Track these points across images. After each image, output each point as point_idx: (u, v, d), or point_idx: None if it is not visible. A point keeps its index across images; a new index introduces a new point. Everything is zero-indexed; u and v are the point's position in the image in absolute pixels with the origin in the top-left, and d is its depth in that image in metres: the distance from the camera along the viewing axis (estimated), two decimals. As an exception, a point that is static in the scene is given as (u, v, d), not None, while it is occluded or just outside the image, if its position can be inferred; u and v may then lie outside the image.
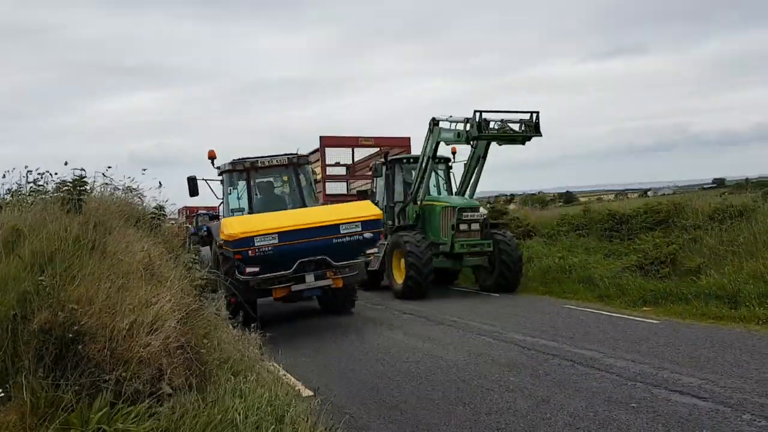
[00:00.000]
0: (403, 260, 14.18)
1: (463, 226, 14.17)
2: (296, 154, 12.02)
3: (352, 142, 20.19)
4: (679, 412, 5.70)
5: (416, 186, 15.25)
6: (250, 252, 9.78)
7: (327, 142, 19.63)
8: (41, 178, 6.39)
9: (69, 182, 6.10)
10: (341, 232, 10.24)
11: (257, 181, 12.14)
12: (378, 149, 19.95)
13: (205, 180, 11.99)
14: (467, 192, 15.12)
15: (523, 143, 13.67)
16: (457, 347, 8.96)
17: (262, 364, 5.79)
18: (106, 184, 6.94)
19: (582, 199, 58.64)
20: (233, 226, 10.04)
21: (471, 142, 13.95)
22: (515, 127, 13.36)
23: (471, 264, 15.01)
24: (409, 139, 20.37)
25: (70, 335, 4.02)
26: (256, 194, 12.02)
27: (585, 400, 6.19)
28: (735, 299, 10.29)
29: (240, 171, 11.93)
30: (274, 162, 11.90)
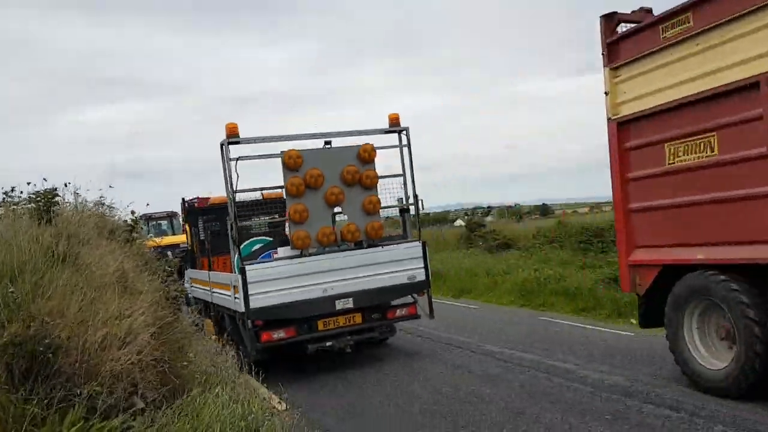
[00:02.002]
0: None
1: None
2: None
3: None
4: (653, 423, 5.76)
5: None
6: None
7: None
8: (13, 190, 6.29)
9: (41, 193, 6.01)
10: None
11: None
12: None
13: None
14: None
15: None
16: (434, 359, 8.97)
17: (237, 378, 5.73)
18: (78, 194, 6.85)
19: (557, 212, 59.39)
20: None
21: None
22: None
23: None
24: None
25: (41, 348, 3.94)
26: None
27: (560, 412, 6.23)
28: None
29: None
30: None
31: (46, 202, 5.91)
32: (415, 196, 9.41)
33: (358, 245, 8.99)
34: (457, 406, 6.60)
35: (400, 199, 9.63)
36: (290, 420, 5.37)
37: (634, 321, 11.04)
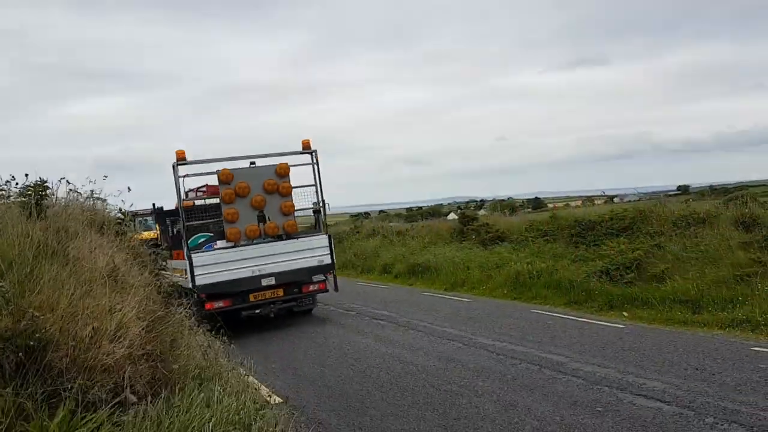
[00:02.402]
0: None
1: None
2: None
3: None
4: (644, 415, 5.79)
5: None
6: None
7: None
8: (8, 183, 6.22)
9: (31, 186, 5.96)
10: None
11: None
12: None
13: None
14: None
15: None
16: (427, 352, 8.99)
17: (230, 372, 5.72)
18: (70, 190, 6.79)
19: (550, 205, 59.50)
20: None
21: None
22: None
23: None
24: None
25: (32, 343, 3.91)
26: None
27: (552, 404, 6.25)
28: (698, 304, 10.52)
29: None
30: None
31: (36, 196, 5.86)
32: (323, 201, 12.51)
33: (278, 238, 11.89)
34: (449, 399, 6.61)
35: (314, 203, 12.63)
36: (285, 414, 5.36)
37: (626, 314, 11.11)
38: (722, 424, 5.44)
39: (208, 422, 4.19)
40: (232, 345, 7.04)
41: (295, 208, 12.17)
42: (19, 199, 5.99)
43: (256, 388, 5.81)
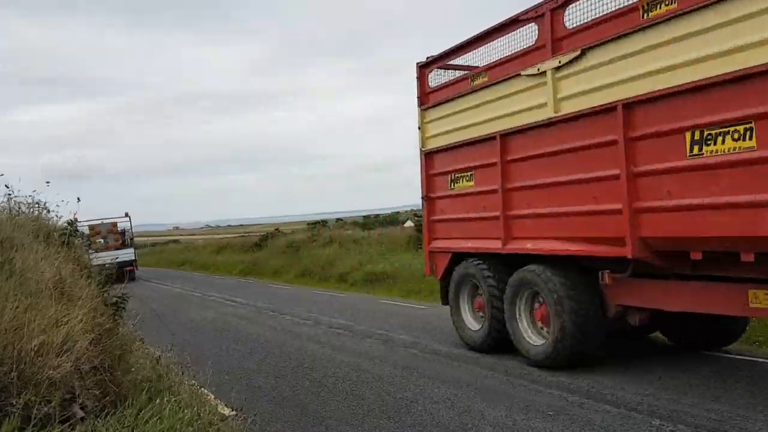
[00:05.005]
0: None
1: None
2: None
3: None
4: (592, 418, 5.95)
5: None
6: None
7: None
8: None
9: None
10: None
11: None
12: None
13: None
14: None
15: None
16: (383, 360, 9.02)
17: (181, 384, 5.63)
18: (11, 197, 6.60)
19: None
20: None
21: None
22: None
23: None
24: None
25: (-27, 359, 3.78)
26: None
27: (505, 409, 6.36)
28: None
29: None
30: None
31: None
32: (131, 230, 34.07)
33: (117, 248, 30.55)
34: (405, 407, 6.66)
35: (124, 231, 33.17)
36: (240, 425, 5.30)
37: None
38: (668, 426, 5.62)
39: (160, 435, 4.12)
40: (186, 355, 6.93)
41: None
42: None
43: (208, 400, 5.73)
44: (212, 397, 6.21)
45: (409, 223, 32.10)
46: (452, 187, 9.52)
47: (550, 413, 6.18)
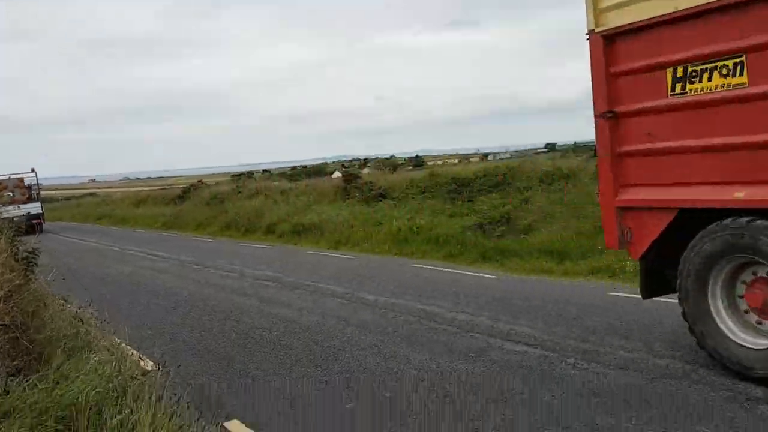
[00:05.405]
0: None
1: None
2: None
3: None
4: (512, 359, 6.24)
5: None
6: None
7: None
8: None
9: None
10: None
11: None
12: None
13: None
14: None
15: None
16: (310, 311, 9.08)
17: (101, 340, 5.48)
18: None
19: (429, 164, 61.16)
20: None
21: None
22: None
23: None
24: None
25: None
26: None
27: (428, 353, 6.57)
28: (563, 254, 11.36)
29: None
30: None
31: None
32: (38, 185, 33.90)
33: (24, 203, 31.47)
34: (332, 355, 6.76)
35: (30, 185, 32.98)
36: (163, 379, 5.23)
37: (500, 266, 11.80)
38: (582, 364, 5.95)
39: (81, 393, 4.00)
40: (104, 312, 6.73)
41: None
42: None
43: (129, 355, 5.61)
44: (134, 352, 6.09)
45: (336, 174, 32.01)
46: (682, 90, 5.38)
47: (471, 355, 6.43)
